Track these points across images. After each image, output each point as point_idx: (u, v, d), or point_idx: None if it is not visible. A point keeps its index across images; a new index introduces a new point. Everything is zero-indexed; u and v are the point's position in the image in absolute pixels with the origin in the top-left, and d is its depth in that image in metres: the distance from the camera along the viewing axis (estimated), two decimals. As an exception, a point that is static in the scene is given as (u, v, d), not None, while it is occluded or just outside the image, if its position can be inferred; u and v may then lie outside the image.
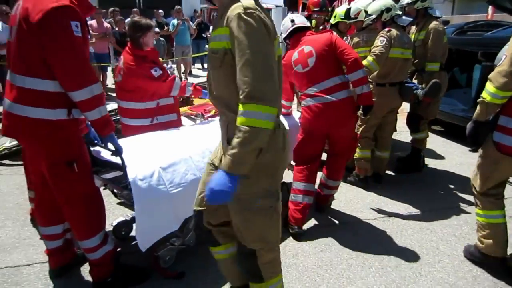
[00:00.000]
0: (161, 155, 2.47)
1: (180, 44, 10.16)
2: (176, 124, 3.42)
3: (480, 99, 2.42)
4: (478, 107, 2.45)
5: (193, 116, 6.45)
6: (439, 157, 5.14)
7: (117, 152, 2.24)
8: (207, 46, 12.44)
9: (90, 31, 7.85)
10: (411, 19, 4.09)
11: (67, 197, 2.21)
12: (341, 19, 4.52)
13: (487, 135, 2.49)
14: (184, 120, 4.43)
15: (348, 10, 4.33)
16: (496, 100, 2.32)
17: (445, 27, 4.67)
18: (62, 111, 2.06)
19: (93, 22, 8.28)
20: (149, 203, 2.26)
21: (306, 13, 5.02)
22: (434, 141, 5.75)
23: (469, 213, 3.55)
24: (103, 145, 2.29)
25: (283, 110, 3.56)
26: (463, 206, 3.74)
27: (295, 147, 3.30)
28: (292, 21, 3.27)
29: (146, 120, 3.21)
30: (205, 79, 10.24)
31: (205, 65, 12.48)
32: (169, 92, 3.17)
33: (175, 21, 10.10)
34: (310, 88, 3.13)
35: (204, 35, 11.83)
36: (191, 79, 9.96)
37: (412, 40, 4.23)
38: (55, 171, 2.15)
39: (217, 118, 3.60)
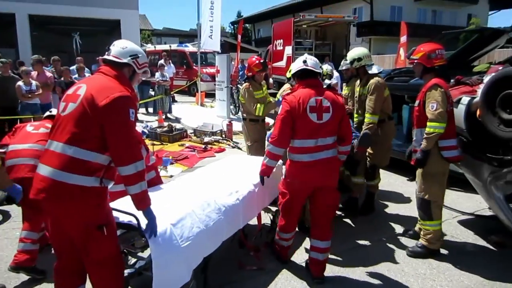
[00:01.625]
0: (169, 212, 2.69)
1: (127, 91, 10.21)
2: (157, 180, 3.68)
3: (428, 135, 3.50)
4: (424, 141, 3.54)
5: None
6: (384, 187, 5.81)
7: (149, 223, 2.41)
8: (151, 91, 12.65)
9: (32, 81, 7.66)
10: (330, 82, 4.61)
11: (95, 259, 2.35)
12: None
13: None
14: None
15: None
16: (442, 130, 3.46)
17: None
18: (96, 179, 2.27)
19: (33, 73, 7.93)
20: (166, 259, 2.46)
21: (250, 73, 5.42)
22: (377, 173, 6.48)
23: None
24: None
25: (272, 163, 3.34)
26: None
27: (283, 204, 3.38)
28: (304, 61, 3.30)
29: None
30: (150, 123, 10.24)
31: (150, 110, 12.64)
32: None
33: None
34: (311, 140, 3.14)
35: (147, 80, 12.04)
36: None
37: (358, 94, 4.84)
38: (85, 234, 2.29)
39: (206, 170, 3.90)
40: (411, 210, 4.83)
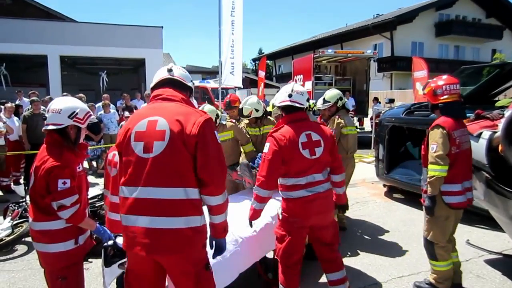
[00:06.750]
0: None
1: (150, 126, 10.47)
2: None
3: (429, 179, 3.34)
4: (428, 186, 3.37)
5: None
6: (406, 223, 5.69)
7: (220, 252, 2.35)
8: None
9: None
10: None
11: None
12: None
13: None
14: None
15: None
16: (444, 173, 3.30)
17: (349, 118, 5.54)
18: (203, 216, 2.17)
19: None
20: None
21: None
22: (398, 209, 6.40)
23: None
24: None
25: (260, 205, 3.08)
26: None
27: (284, 249, 3.07)
28: (290, 95, 3.09)
29: None
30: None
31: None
32: None
33: (145, 105, 10.51)
34: (308, 177, 3.00)
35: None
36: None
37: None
38: (199, 278, 2.17)
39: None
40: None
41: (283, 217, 3.07)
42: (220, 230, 2.27)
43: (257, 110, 4.71)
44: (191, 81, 2.43)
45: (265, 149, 3.01)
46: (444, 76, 3.60)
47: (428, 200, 3.43)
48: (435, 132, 3.38)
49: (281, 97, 3.16)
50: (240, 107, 4.85)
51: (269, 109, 5.22)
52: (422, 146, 3.61)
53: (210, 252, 2.36)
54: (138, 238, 2.07)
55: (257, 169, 3.95)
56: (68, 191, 2.45)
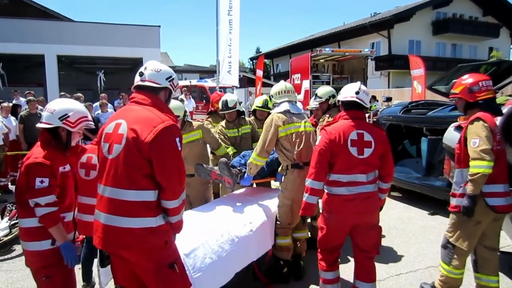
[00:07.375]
0: (182, 241, 2.69)
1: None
2: None
3: (472, 176, 2.97)
4: (470, 184, 3.00)
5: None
6: (404, 221, 5.70)
7: None
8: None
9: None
10: None
11: None
12: (257, 107, 5.00)
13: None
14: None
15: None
16: (490, 170, 2.94)
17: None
18: (160, 217, 2.19)
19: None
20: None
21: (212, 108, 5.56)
22: (396, 207, 6.41)
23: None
24: None
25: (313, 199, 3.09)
26: (434, 266, 4.18)
27: (320, 239, 3.15)
28: (357, 92, 3.11)
29: None
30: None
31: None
32: None
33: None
34: (351, 175, 2.98)
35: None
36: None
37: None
38: (159, 276, 2.21)
39: (221, 201, 3.91)
40: (431, 247, 4.69)
41: (322, 212, 3.13)
42: (176, 228, 2.34)
43: (239, 103, 4.83)
44: (168, 78, 2.37)
45: (317, 142, 3.09)
46: (466, 76, 3.36)
47: (469, 200, 3.04)
48: (475, 126, 3.08)
49: (346, 93, 3.19)
50: (223, 99, 4.75)
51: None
52: (457, 145, 3.30)
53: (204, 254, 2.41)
54: (98, 233, 2.21)
55: (238, 168, 3.92)
56: (44, 190, 2.44)
